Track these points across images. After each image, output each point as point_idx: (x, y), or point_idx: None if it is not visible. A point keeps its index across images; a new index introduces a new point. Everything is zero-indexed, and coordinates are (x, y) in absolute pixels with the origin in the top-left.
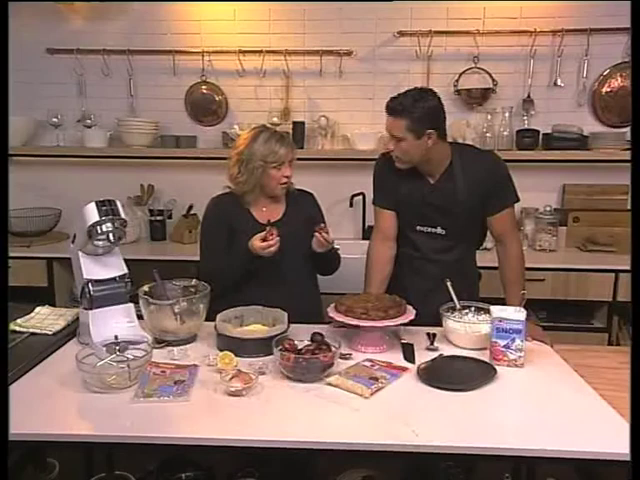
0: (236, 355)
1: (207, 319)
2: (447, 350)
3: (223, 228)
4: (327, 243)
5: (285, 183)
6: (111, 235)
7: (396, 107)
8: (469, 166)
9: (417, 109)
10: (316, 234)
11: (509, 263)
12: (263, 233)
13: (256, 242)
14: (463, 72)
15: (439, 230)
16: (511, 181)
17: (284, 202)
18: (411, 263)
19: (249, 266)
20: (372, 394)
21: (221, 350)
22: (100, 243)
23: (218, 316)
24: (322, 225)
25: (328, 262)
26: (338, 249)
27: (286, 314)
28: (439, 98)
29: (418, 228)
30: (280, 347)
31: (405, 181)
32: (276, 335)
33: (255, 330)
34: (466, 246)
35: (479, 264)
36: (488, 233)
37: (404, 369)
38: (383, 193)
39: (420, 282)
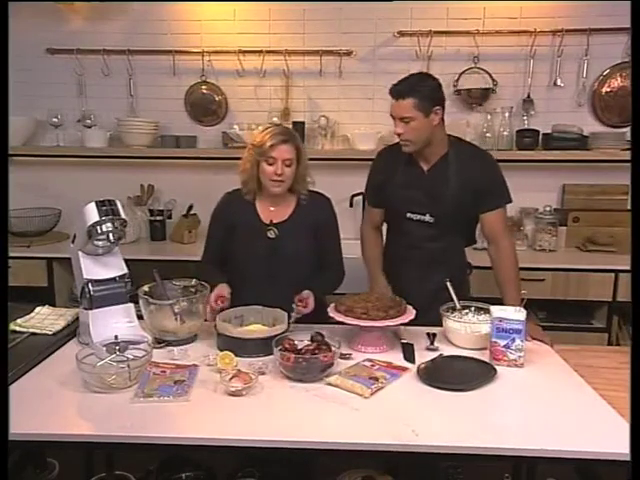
0: (236, 355)
1: (207, 319)
2: (447, 350)
3: (223, 223)
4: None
5: (277, 181)
6: (111, 235)
7: (402, 89)
8: (464, 162)
9: (423, 87)
10: (294, 305)
11: (501, 263)
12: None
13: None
14: (463, 72)
15: (427, 217)
16: (504, 183)
17: (293, 204)
18: (402, 252)
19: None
20: (372, 394)
21: (221, 350)
22: (100, 243)
23: (218, 316)
24: (303, 296)
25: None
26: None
27: (286, 314)
28: (438, 80)
29: (408, 215)
30: (280, 347)
31: (400, 172)
32: (276, 335)
33: (255, 330)
34: (454, 238)
35: (475, 263)
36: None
37: (404, 369)
38: (374, 193)
39: (409, 269)
